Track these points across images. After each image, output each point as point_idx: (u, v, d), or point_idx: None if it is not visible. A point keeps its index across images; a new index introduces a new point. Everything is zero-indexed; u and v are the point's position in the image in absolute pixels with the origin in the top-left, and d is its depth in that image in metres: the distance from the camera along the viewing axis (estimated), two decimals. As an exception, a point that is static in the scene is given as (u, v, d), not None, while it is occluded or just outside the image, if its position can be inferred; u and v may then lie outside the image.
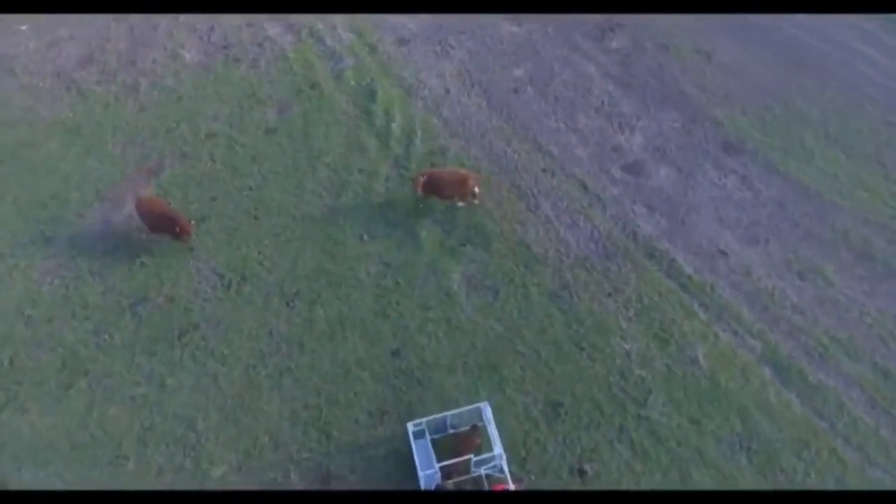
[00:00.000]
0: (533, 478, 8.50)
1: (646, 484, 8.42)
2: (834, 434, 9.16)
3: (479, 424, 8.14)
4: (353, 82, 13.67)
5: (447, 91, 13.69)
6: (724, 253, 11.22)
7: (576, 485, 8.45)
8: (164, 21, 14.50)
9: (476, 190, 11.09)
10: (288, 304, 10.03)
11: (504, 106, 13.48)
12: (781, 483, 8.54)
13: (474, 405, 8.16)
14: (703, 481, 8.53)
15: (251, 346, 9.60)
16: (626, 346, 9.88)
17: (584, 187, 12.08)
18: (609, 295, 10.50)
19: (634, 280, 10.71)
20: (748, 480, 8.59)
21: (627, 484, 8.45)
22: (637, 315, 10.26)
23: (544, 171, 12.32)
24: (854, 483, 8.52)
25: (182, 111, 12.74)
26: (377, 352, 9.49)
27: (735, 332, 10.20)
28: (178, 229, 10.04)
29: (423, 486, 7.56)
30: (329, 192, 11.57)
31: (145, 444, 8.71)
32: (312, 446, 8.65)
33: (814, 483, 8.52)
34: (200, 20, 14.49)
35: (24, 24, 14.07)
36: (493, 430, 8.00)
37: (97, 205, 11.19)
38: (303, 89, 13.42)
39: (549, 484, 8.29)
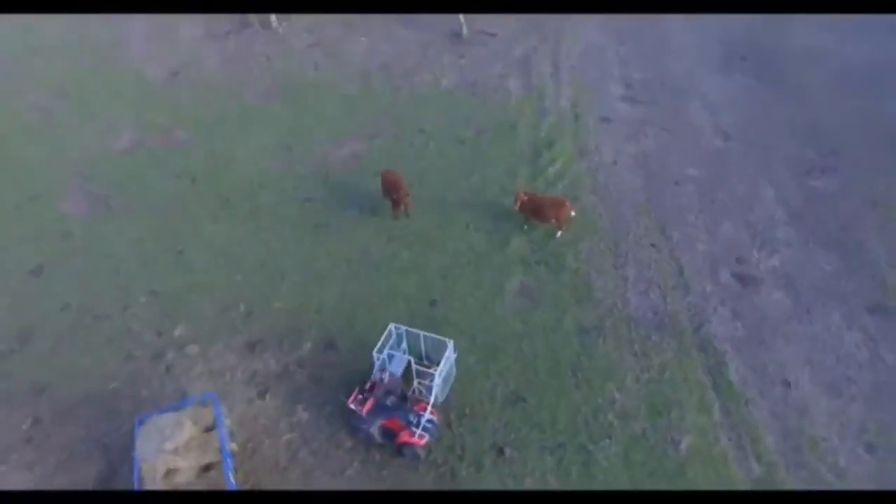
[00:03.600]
0: (460, 431, 10.09)
1: (552, 488, 9.20)
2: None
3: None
4: (542, 133, 16.96)
5: (614, 163, 15.96)
6: (787, 383, 10.89)
7: (489, 459, 9.71)
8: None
9: (572, 214, 13.08)
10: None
11: (658, 192, 15.08)
12: None
13: (446, 339, 10.29)
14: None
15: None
16: (617, 396, 10.66)
17: (680, 272, 12.94)
18: (634, 355, 11.33)
19: (669, 357, 11.29)
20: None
21: (532, 476, 9.38)
22: (649, 381, 10.89)
23: (652, 245, 13.59)
24: None
25: (410, 112, 17.61)
26: (423, 296, 12.24)
27: (741, 448, 10.02)
28: (396, 197, 13.89)
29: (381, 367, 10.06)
30: (470, 192, 14.77)
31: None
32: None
33: None
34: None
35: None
36: (446, 364, 10.02)
37: (325, 148, 16.37)
38: (503, 123, 17.26)
39: (468, 447, 9.74)
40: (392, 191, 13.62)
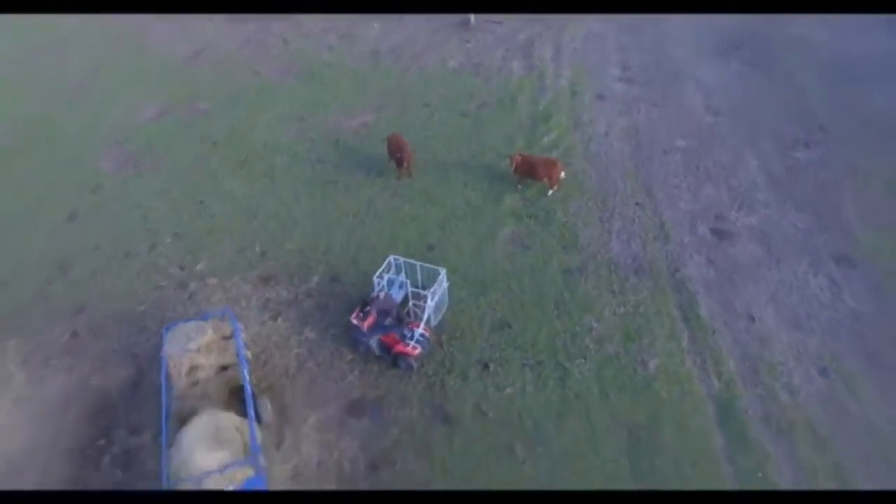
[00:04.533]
0: (450, 349, 11.44)
1: (528, 401, 10.55)
2: (734, 479, 9.58)
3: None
4: (540, 107, 18.40)
5: (606, 134, 17.32)
6: (752, 318, 12.09)
7: (475, 372, 11.05)
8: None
9: (562, 175, 14.46)
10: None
11: (646, 159, 16.40)
12: (645, 482, 9.51)
13: (439, 268, 11.67)
14: (569, 435, 10.16)
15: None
16: (594, 325, 11.96)
17: (661, 226, 14.23)
18: (613, 292, 12.62)
19: (645, 295, 12.56)
20: (608, 456, 9.88)
21: (511, 387, 10.69)
22: (624, 314, 12.17)
23: (637, 204, 14.89)
24: None
25: (417, 89, 19.14)
26: (422, 241, 13.64)
27: (704, 369, 11.24)
28: (399, 156, 15.36)
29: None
30: (469, 157, 16.21)
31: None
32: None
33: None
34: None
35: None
36: (438, 288, 11.39)
37: (337, 119, 17.94)
38: (504, 98, 18.71)
39: (457, 362, 11.09)
40: (396, 150, 15.10)
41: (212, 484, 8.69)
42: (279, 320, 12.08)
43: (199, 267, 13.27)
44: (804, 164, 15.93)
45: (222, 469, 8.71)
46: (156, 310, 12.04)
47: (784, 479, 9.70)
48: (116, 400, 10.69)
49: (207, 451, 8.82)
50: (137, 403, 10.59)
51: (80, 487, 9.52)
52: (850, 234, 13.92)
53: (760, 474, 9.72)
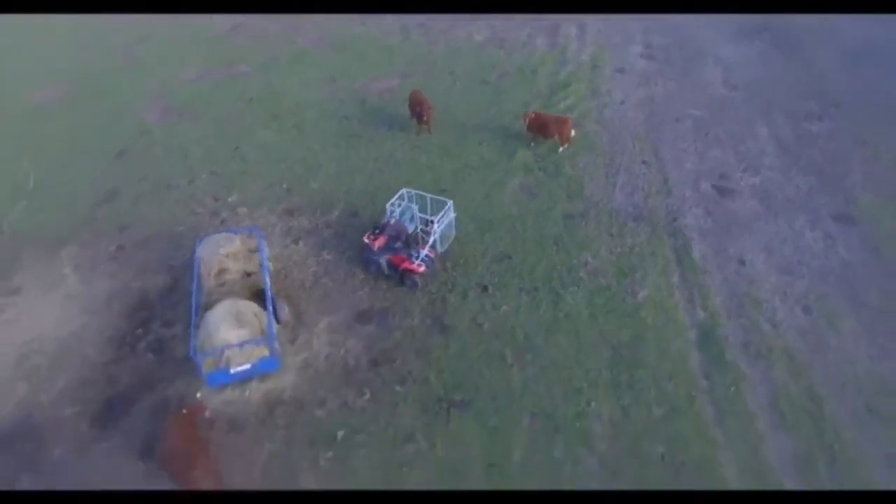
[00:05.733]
0: (453, 274, 12.71)
1: (521, 318, 11.70)
2: (708, 393, 10.56)
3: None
4: (560, 77, 19.60)
5: (622, 102, 18.41)
6: (743, 262, 13.03)
7: (474, 293, 12.29)
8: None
9: (573, 133, 15.64)
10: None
11: (658, 125, 17.44)
12: (623, 391, 10.56)
13: (447, 199, 12.99)
14: (557, 348, 11.25)
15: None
16: (590, 260, 13.07)
17: (665, 182, 15.25)
18: (611, 235, 13.72)
19: (642, 239, 13.61)
20: (592, 367, 10.94)
21: (507, 305, 11.89)
22: (620, 254, 13.25)
23: (644, 162, 15.95)
24: (685, 429, 9.99)
25: (442, 60, 20.56)
26: (435, 186, 14.92)
27: (691, 302, 12.24)
28: (420, 111, 16.79)
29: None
30: (487, 119, 17.49)
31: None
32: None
33: (652, 413, 10.29)
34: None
35: None
36: (445, 216, 12.70)
37: (364, 83, 19.48)
38: (524, 70, 19.99)
39: (458, 283, 12.34)
40: (417, 104, 16.51)
41: (231, 357, 10.14)
42: (300, 244, 13.56)
43: (231, 199, 14.89)
44: (815, 135, 16.73)
45: (241, 345, 10.14)
46: (191, 231, 13.65)
47: (757, 397, 10.59)
48: (153, 300, 12.29)
49: (229, 328, 10.29)
50: (172, 303, 12.16)
51: (119, 368, 11.09)
52: (853, 198, 14.67)
53: (733, 388, 10.64)
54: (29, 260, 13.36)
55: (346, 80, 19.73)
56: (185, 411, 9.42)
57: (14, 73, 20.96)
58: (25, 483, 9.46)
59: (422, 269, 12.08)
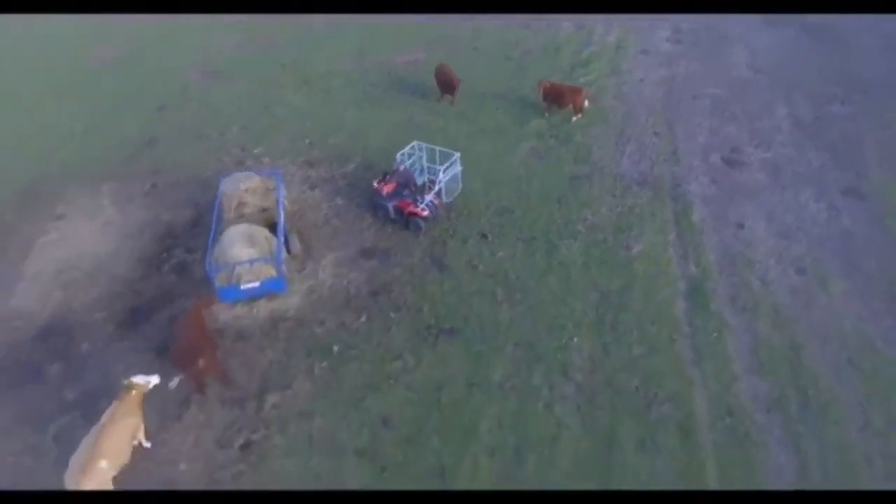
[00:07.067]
0: (456, 223, 13.64)
1: (516, 263, 12.53)
2: (690, 339, 11.18)
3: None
4: (583, 56, 20.36)
5: (641, 80, 19.06)
6: (741, 226, 13.56)
7: (474, 240, 13.20)
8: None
9: (587, 103, 16.41)
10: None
11: (675, 102, 18.03)
12: (605, 331, 11.26)
13: (454, 152, 13.95)
14: (546, 290, 12.00)
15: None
16: (590, 217, 13.81)
17: (674, 152, 15.85)
18: (614, 196, 14.42)
19: (643, 201, 14.27)
20: (578, 309, 11.68)
21: (503, 252, 12.75)
22: (620, 214, 13.94)
23: (656, 133, 16.58)
24: (662, 367, 10.63)
25: (468, 37, 21.58)
26: (448, 147, 15.82)
27: (684, 258, 12.85)
28: (448, 81, 17.83)
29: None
30: (506, 91, 18.40)
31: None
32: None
33: (632, 352, 10.95)
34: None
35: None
36: (451, 166, 13.66)
37: (391, 55, 20.64)
38: (548, 48, 20.84)
39: (459, 230, 13.26)
40: (444, 76, 17.49)
41: (242, 275, 11.31)
42: (316, 191, 14.72)
43: (256, 150, 16.20)
44: (834, 117, 17.03)
45: (251, 262, 11.31)
46: (217, 175, 14.89)
47: (738, 344, 11.12)
48: (179, 230, 13.62)
49: (242, 247, 11.47)
50: (195, 234, 13.45)
51: (144, 284, 12.43)
52: (865, 175, 14.96)
53: (715, 335, 11.21)
54: (73, 192, 14.91)
55: (373, 52, 20.92)
56: (194, 301, 10.60)
57: (79, 31, 22.97)
58: (56, 370, 10.81)
59: (426, 213, 13.04)
